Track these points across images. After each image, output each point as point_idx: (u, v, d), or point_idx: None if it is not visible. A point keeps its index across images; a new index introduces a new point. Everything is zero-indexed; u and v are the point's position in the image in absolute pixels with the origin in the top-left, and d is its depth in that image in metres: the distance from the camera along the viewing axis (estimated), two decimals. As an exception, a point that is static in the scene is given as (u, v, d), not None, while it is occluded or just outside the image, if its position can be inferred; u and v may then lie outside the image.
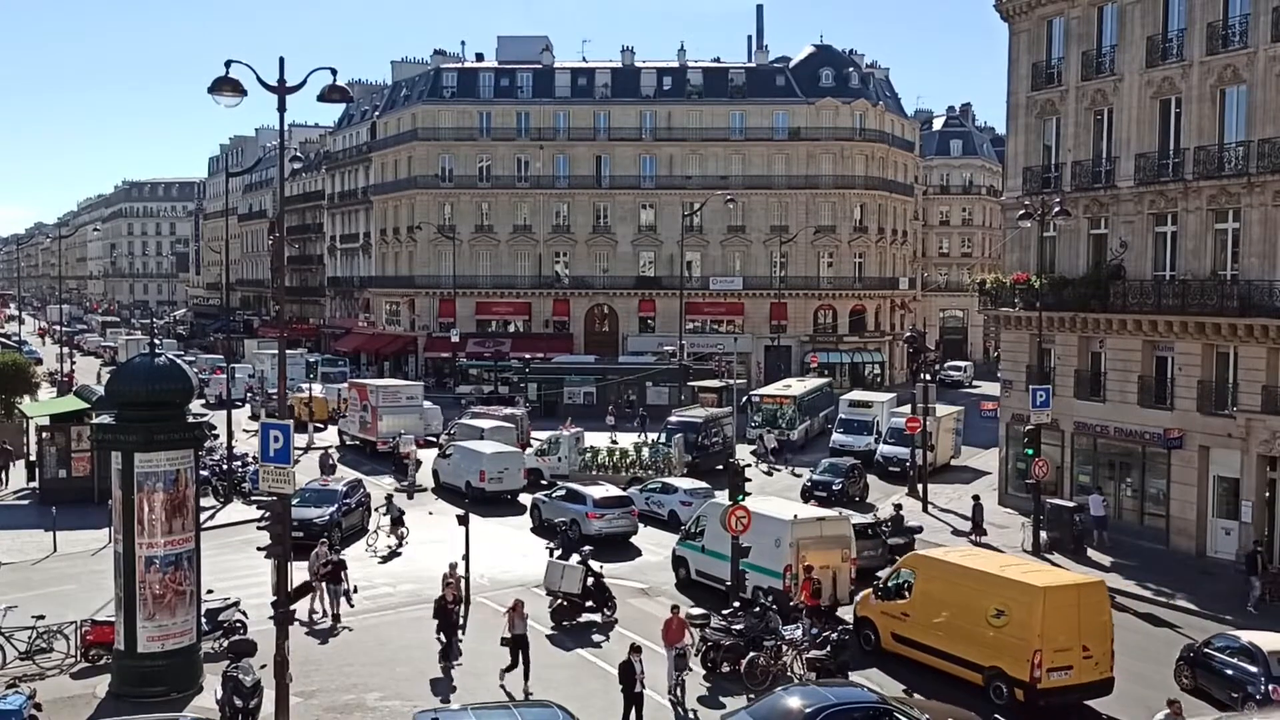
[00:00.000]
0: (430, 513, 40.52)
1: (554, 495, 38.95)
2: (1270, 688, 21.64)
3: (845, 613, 27.74)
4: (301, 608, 26.11)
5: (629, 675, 21.11)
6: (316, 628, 27.33)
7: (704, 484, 40.85)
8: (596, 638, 26.80)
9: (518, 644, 23.50)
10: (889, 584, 26.14)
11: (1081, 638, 22.50)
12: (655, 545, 36.16)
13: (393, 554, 34.96)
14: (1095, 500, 36.99)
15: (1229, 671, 22.74)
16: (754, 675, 23.23)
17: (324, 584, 27.96)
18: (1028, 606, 22.53)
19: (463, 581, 27.78)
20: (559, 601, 28.01)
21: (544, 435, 50.76)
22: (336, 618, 27.80)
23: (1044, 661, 22.03)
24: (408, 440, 49.24)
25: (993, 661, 22.81)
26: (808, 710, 18.35)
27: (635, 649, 21.55)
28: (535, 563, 32.52)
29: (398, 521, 36.04)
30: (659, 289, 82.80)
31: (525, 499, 42.13)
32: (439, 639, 24.87)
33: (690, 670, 23.03)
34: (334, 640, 26.41)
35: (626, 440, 51.46)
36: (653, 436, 51.20)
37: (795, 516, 29.08)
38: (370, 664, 24.72)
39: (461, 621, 26.02)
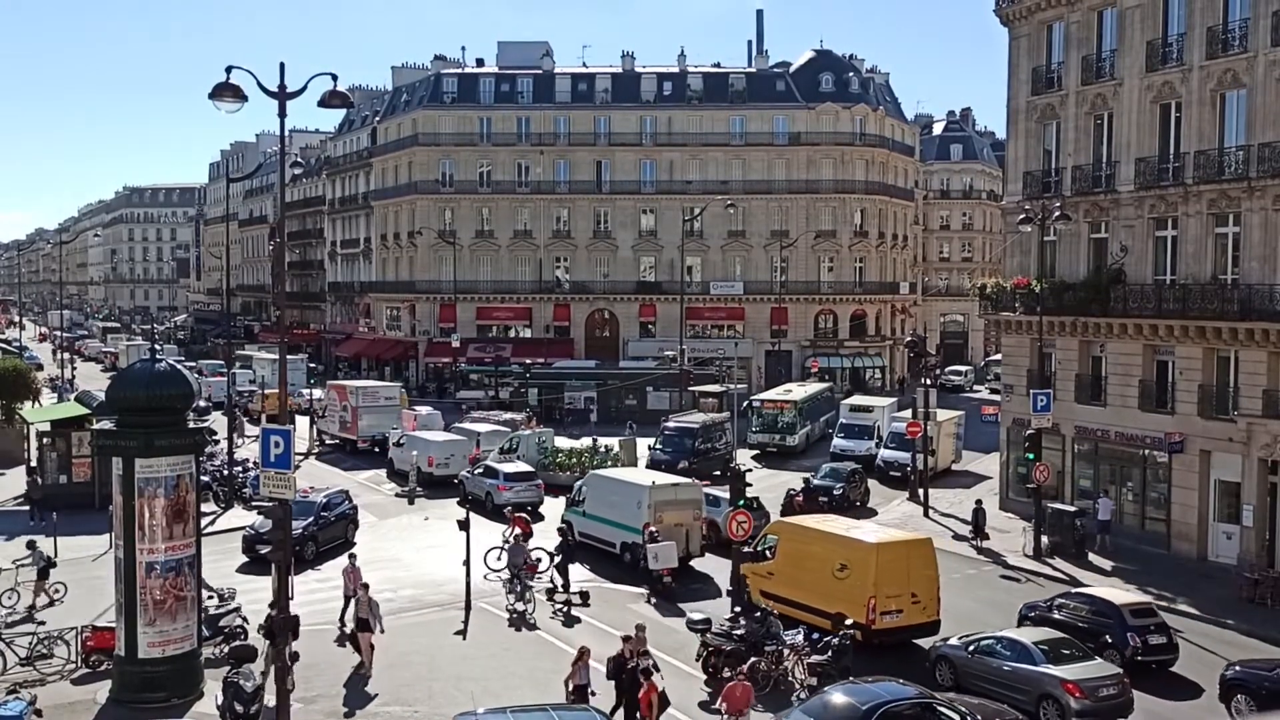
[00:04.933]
0: (426, 518, 40.64)
1: (475, 472, 44.33)
2: (1128, 636, 24.76)
3: (698, 564, 33.38)
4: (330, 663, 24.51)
5: (619, 673, 21.03)
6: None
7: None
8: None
9: (580, 696, 20.85)
10: (757, 548, 29.20)
11: (910, 586, 26.13)
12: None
13: (27, 616, 27.50)
14: (1105, 504, 36.97)
15: (1081, 622, 25.66)
16: (755, 680, 23.18)
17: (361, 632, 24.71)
18: (864, 560, 26.12)
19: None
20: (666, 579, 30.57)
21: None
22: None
23: (878, 606, 25.52)
24: (396, 433, 51.34)
25: (838, 608, 25.42)
26: (865, 708, 18.85)
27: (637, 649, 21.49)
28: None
29: (44, 574, 29.17)
30: (659, 294, 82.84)
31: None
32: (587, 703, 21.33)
33: None
34: (335, 646, 26.30)
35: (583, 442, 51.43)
36: (603, 441, 50.86)
37: (653, 483, 34.17)
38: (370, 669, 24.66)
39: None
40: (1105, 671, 22.52)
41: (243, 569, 32.68)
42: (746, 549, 28.57)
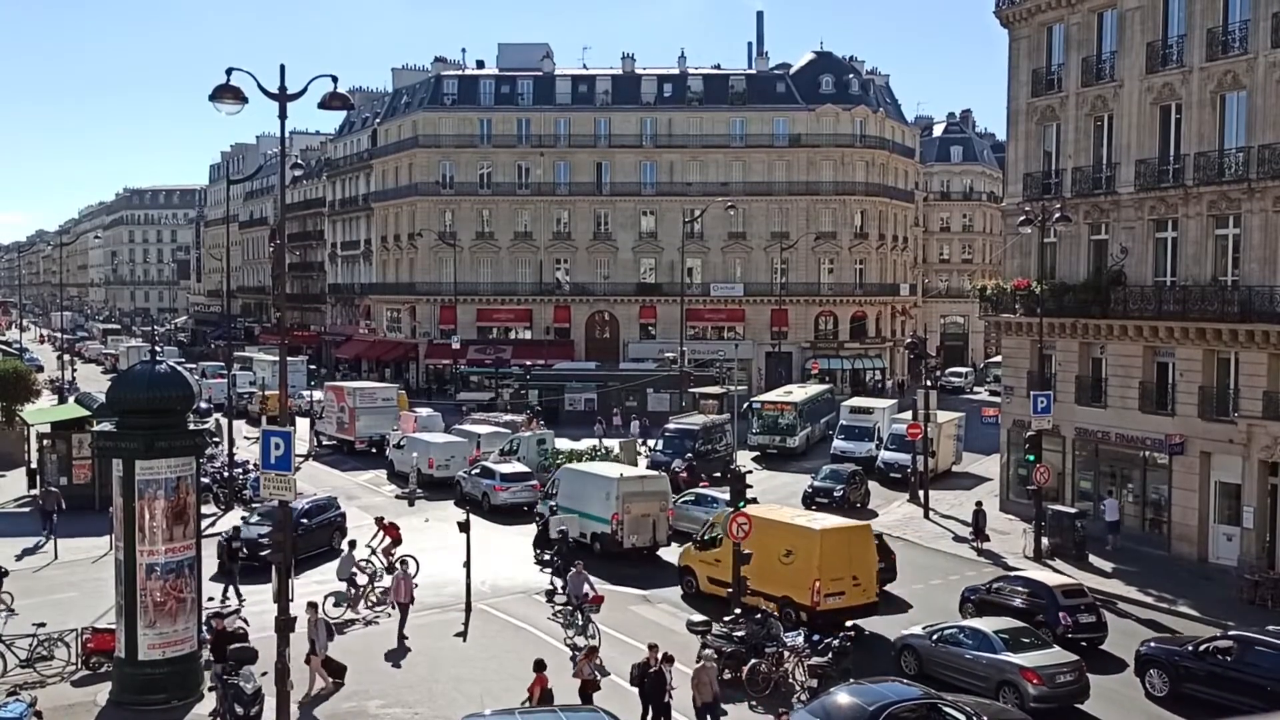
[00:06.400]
0: (426, 519, 40.59)
1: (472, 473, 44.24)
2: (1060, 615, 26.17)
3: (666, 554, 34.73)
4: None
5: (643, 680, 21.03)
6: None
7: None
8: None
9: (585, 697, 20.90)
10: (705, 537, 30.80)
11: (851, 570, 27.48)
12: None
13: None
14: (1111, 505, 37.00)
15: (1017, 603, 27.04)
16: (755, 682, 23.19)
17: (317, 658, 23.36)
18: (808, 546, 27.39)
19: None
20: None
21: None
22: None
23: (821, 589, 26.76)
24: (395, 435, 51.77)
25: (784, 592, 27.29)
26: (871, 709, 18.98)
27: (659, 656, 21.44)
28: (538, 569, 32.87)
29: None
30: (660, 295, 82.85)
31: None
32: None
33: None
34: (334, 648, 26.26)
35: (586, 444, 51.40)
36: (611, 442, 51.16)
37: (621, 475, 35.98)
38: (371, 671, 24.64)
39: (672, 691, 21.22)
40: (1063, 659, 23.16)
41: (219, 576, 31.42)
42: (696, 535, 29.94)
